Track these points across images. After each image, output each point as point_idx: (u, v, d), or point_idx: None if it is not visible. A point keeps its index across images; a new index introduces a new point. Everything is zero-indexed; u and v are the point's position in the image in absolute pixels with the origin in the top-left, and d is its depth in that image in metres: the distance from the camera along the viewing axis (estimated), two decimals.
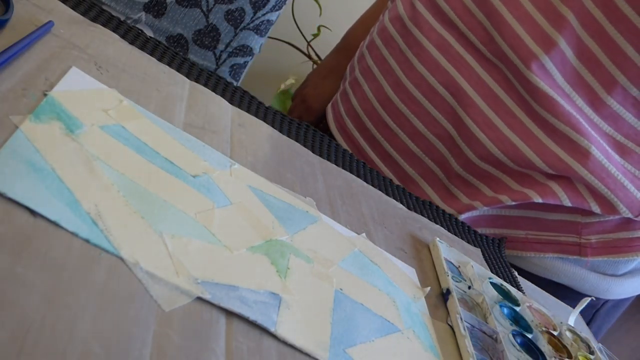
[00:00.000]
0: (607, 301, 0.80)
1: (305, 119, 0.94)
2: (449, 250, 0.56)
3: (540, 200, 0.69)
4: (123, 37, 0.50)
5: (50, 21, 0.43)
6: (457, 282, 0.51)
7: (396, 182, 0.76)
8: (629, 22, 0.61)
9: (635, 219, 0.70)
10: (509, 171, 0.71)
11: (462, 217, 0.73)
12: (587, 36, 0.63)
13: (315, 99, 0.95)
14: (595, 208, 0.69)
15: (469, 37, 0.69)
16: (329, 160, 0.59)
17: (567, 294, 0.75)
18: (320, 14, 1.38)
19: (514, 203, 0.71)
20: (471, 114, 0.69)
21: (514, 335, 0.48)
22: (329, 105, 0.89)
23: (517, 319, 0.51)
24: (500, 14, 0.66)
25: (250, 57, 1.04)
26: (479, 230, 0.72)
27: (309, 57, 1.41)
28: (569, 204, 0.69)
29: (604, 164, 0.66)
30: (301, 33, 1.39)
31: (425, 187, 0.77)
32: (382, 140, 0.77)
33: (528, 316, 0.53)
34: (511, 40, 0.65)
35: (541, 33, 0.64)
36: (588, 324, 0.80)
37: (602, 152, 0.66)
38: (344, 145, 0.81)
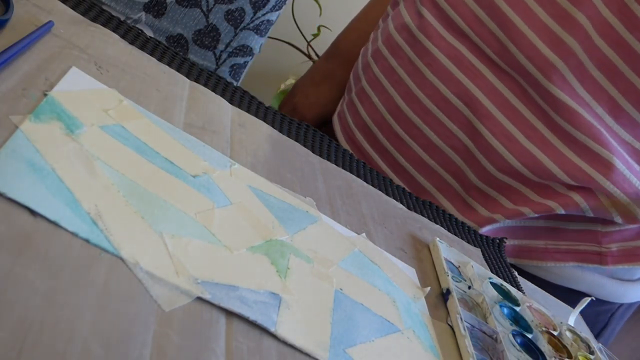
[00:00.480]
0: (622, 304, 0.80)
1: None
2: (449, 250, 0.56)
3: (562, 212, 0.68)
4: (123, 37, 0.50)
5: (50, 21, 0.43)
6: (457, 282, 0.51)
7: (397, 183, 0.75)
8: None
9: None
10: (528, 182, 0.69)
11: (484, 230, 0.72)
12: (604, 45, 0.61)
13: (308, 107, 0.92)
14: (617, 218, 0.68)
15: (482, 48, 0.67)
16: (329, 160, 0.59)
17: None
18: (320, 14, 1.38)
19: (536, 215, 0.69)
20: (487, 125, 0.68)
21: (514, 335, 0.48)
22: (335, 116, 0.86)
23: (517, 319, 0.51)
24: (512, 21, 0.64)
25: (250, 57, 1.04)
26: None
27: (309, 57, 1.41)
28: (591, 215, 0.68)
29: (626, 175, 0.65)
30: (301, 33, 1.39)
31: (441, 199, 0.75)
32: (394, 151, 0.75)
33: (528, 316, 0.53)
34: (527, 51, 0.64)
35: (556, 40, 0.62)
36: (604, 327, 0.80)
37: (623, 162, 0.65)
38: None
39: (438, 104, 0.70)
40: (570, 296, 0.72)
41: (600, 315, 0.78)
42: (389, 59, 0.76)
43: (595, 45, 0.61)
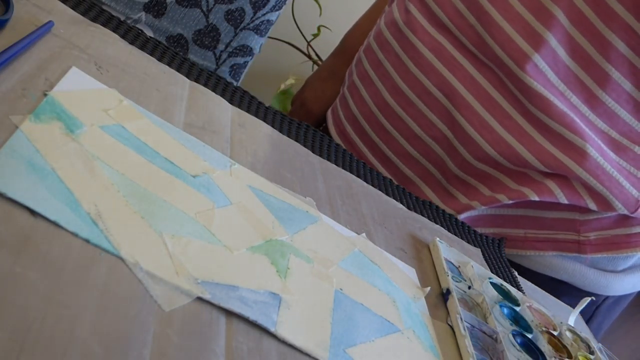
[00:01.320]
0: (607, 298, 0.80)
1: None
2: (449, 250, 0.56)
3: (536, 198, 0.69)
4: (123, 37, 0.50)
5: (50, 21, 0.43)
6: (457, 282, 0.51)
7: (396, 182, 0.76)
8: (621, 20, 0.61)
9: (632, 215, 0.70)
10: (505, 170, 0.71)
11: (462, 216, 0.73)
12: (578, 34, 0.63)
13: (315, 102, 0.95)
14: (592, 205, 0.69)
15: (462, 40, 0.70)
16: (329, 160, 0.59)
17: (568, 291, 0.76)
18: (320, 14, 1.38)
19: (511, 202, 0.71)
20: (466, 115, 0.70)
21: (514, 335, 0.48)
22: (329, 111, 0.89)
23: (517, 319, 0.51)
24: (490, 15, 0.66)
25: (250, 57, 1.04)
26: (479, 230, 0.73)
27: (309, 57, 1.41)
28: (565, 202, 0.69)
29: (600, 162, 0.66)
30: (301, 33, 1.39)
31: (425, 189, 0.77)
32: (380, 143, 0.78)
33: (528, 316, 0.53)
34: (502, 43, 0.66)
35: (531, 32, 0.65)
36: (589, 320, 0.81)
37: (597, 150, 0.67)
38: None
39: (420, 96, 0.73)
40: (553, 285, 0.73)
41: (584, 308, 0.79)
42: (378, 53, 0.78)
43: (570, 35, 0.64)
